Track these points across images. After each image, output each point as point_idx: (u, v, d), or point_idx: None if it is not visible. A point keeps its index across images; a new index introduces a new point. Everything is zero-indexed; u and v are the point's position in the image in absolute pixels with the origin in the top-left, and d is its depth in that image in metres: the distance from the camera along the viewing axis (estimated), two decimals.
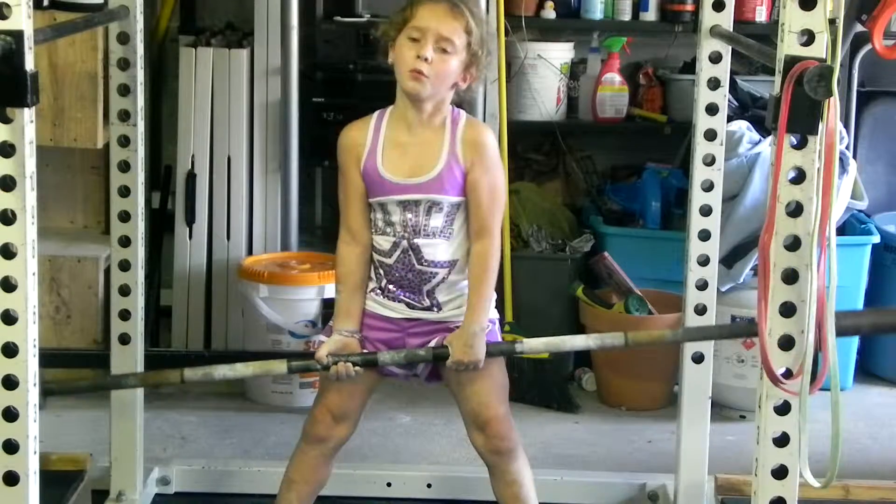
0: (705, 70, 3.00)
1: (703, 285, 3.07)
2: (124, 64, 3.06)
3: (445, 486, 3.47)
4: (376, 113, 2.83)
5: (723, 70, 3.00)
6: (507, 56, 4.59)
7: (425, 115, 2.76)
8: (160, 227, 4.55)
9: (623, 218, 4.59)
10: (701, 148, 3.03)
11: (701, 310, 3.07)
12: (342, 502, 3.34)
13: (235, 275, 4.36)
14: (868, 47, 4.49)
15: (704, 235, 3.06)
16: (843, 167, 4.14)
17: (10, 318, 2.12)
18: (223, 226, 4.53)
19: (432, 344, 2.81)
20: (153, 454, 3.59)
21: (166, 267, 4.58)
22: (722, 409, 4.16)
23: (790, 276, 2.12)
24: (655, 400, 4.31)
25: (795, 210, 2.10)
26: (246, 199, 4.54)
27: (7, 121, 2.07)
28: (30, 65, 2.06)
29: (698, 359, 3.11)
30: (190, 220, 4.50)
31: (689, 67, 4.55)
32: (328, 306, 4.07)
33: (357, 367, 2.77)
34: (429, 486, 3.47)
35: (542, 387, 4.26)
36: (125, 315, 3.15)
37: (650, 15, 4.75)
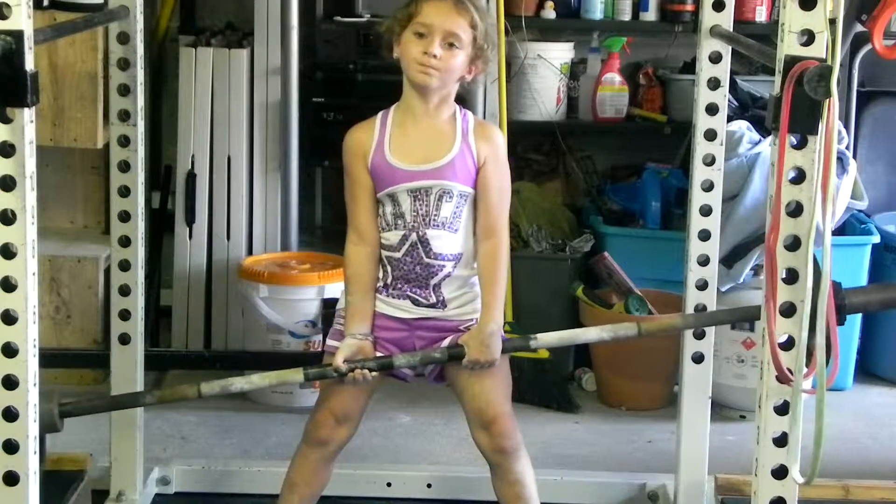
0: (705, 70, 3.00)
1: (703, 285, 3.07)
2: (124, 64, 3.05)
3: (445, 486, 3.47)
4: (380, 113, 2.84)
5: (723, 70, 3.00)
6: (507, 56, 4.59)
7: (432, 107, 2.78)
8: (160, 227, 4.55)
9: (623, 218, 4.59)
10: (701, 148, 3.03)
11: (701, 310, 3.07)
12: (342, 502, 3.34)
13: (235, 275, 4.36)
14: (868, 47, 4.49)
15: (704, 235, 3.06)
16: (843, 167, 4.14)
17: (10, 318, 2.12)
18: (223, 226, 4.53)
19: (444, 345, 2.81)
20: (153, 454, 3.59)
21: (166, 267, 4.58)
22: (722, 409, 4.16)
23: (790, 276, 2.12)
24: (655, 400, 4.31)
25: (795, 210, 2.10)
26: (246, 199, 4.54)
27: (7, 121, 2.07)
28: (30, 65, 2.06)
29: (698, 359, 3.11)
30: (190, 220, 4.50)
31: (689, 67, 4.55)
32: (328, 306, 4.07)
33: (373, 373, 2.77)
34: (429, 486, 3.47)
35: (542, 387, 4.26)
36: (125, 315, 3.15)
37: (650, 15, 4.75)
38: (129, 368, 3.15)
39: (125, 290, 3.14)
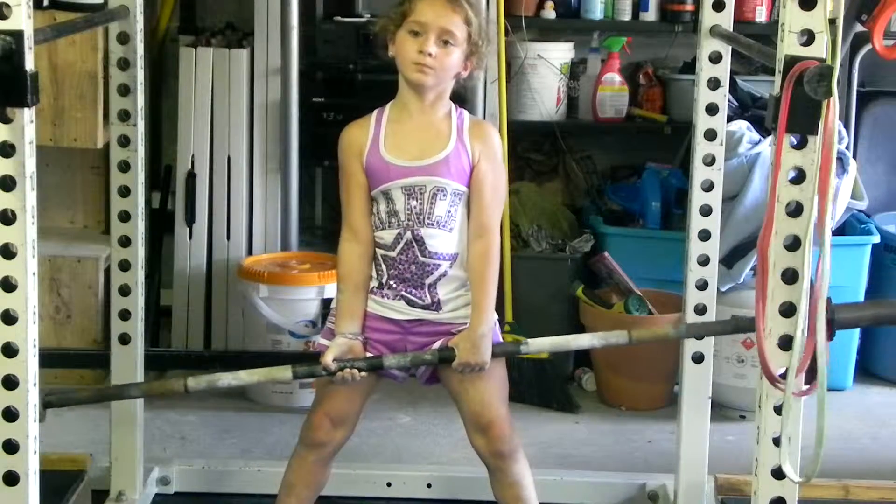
0: (705, 70, 3.00)
1: (703, 285, 3.07)
2: (124, 64, 3.05)
3: (445, 486, 3.47)
4: (375, 111, 2.83)
5: (723, 70, 3.00)
6: (507, 56, 4.59)
7: (427, 104, 2.78)
8: (160, 227, 4.55)
9: (623, 218, 4.59)
10: (701, 148, 3.03)
11: (701, 310, 3.07)
12: (342, 502, 3.34)
13: (235, 275, 4.36)
14: (868, 47, 4.49)
15: (704, 235, 3.06)
16: (843, 167, 4.14)
17: (10, 318, 2.12)
18: (223, 226, 4.53)
19: (435, 346, 2.80)
20: (153, 454, 3.59)
21: (166, 267, 4.58)
22: (722, 409, 4.16)
23: (790, 276, 2.12)
24: (655, 400, 4.31)
25: (795, 210, 2.10)
26: (246, 199, 4.54)
27: (7, 121, 2.07)
28: (30, 65, 2.06)
29: (698, 359, 3.11)
30: (190, 220, 4.50)
31: (689, 67, 4.54)
32: (328, 306, 4.06)
33: (363, 373, 2.76)
34: (429, 486, 3.47)
35: (542, 387, 4.26)
36: (125, 315, 3.15)
37: (650, 15, 4.75)
38: (129, 368, 3.15)
39: (125, 290, 3.14)
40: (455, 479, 3.48)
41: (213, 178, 4.51)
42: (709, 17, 2.97)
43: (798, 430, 2.15)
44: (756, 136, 4.23)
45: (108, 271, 4.04)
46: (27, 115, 2.07)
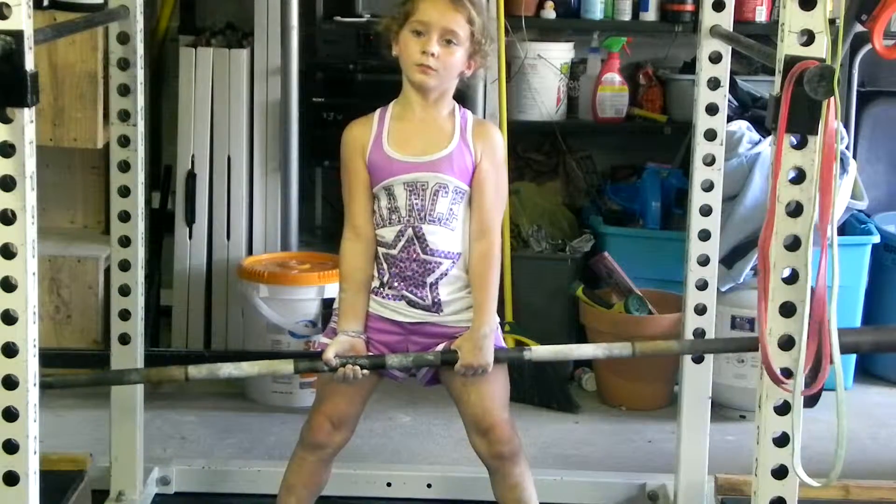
0: (705, 70, 3.00)
1: (703, 285, 3.07)
2: (124, 64, 3.06)
3: (445, 486, 3.47)
4: (378, 109, 2.84)
5: (723, 70, 3.00)
6: (507, 56, 4.59)
7: (431, 103, 2.79)
8: (160, 227, 4.55)
9: (623, 218, 4.59)
10: (701, 148, 3.03)
11: (701, 310, 3.07)
12: (342, 502, 3.34)
13: (235, 275, 4.36)
14: (868, 47, 4.49)
15: (704, 235, 3.06)
16: (843, 167, 4.14)
17: (10, 318, 2.11)
18: (223, 226, 4.53)
19: (438, 349, 2.80)
20: (153, 454, 3.59)
21: (166, 267, 4.58)
22: (722, 409, 4.16)
23: (790, 276, 2.12)
24: (655, 400, 4.31)
25: (795, 210, 2.10)
26: (246, 199, 4.54)
27: (7, 121, 2.07)
28: (30, 65, 2.06)
29: (698, 359, 3.11)
30: (190, 220, 4.50)
31: (689, 67, 4.54)
32: (328, 306, 4.06)
33: (364, 371, 2.76)
34: (429, 486, 3.47)
35: (542, 387, 4.26)
36: (125, 315, 3.15)
37: (650, 15, 4.75)
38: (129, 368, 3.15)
39: (125, 290, 3.14)
40: (455, 479, 3.48)
41: (213, 178, 4.51)
42: (709, 17, 2.97)
43: (799, 431, 2.15)
44: (756, 136, 4.23)
45: (108, 271, 4.04)
46: (27, 115, 2.07)
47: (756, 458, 2.19)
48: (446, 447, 3.95)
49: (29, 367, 2.13)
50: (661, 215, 4.53)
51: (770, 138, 2.17)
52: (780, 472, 2.16)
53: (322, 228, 4.95)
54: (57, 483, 3.07)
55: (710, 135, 3.02)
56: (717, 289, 3.13)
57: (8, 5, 2.02)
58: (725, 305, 4.07)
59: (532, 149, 4.95)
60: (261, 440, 3.97)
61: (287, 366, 2.78)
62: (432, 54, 2.71)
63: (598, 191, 4.84)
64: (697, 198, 3.05)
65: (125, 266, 3.13)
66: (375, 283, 2.82)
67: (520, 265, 4.41)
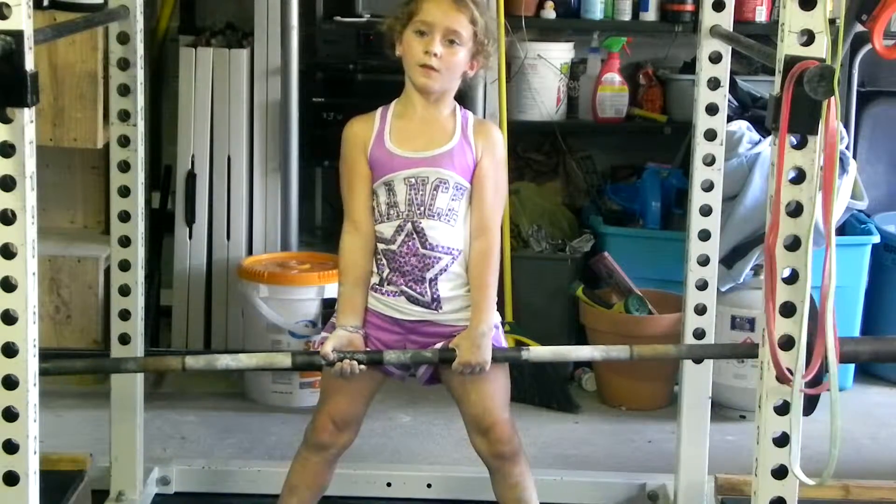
0: (705, 70, 3.00)
1: (703, 285, 3.07)
2: (124, 64, 3.06)
3: (445, 486, 3.47)
4: (380, 108, 2.85)
5: (723, 70, 3.00)
6: (507, 56, 4.59)
7: (432, 101, 2.79)
8: (160, 227, 4.55)
9: (623, 218, 4.59)
10: (701, 148, 3.03)
11: (701, 310, 3.07)
12: (342, 502, 3.34)
13: (235, 275, 4.36)
14: (868, 47, 4.49)
15: (704, 235, 3.06)
16: (843, 167, 4.14)
17: (10, 318, 2.12)
18: (223, 226, 4.53)
19: (437, 347, 2.80)
20: (153, 454, 3.59)
21: (166, 267, 4.58)
22: (722, 409, 4.16)
23: (790, 276, 2.12)
24: (655, 400, 4.31)
25: (795, 210, 2.10)
26: (246, 199, 4.54)
27: (7, 121, 2.07)
28: (30, 65, 2.06)
29: (698, 359, 3.11)
30: (190, 220, 4.50)
31: (689, 67, 4.54)
32: (328, 306, 4.07)
33: (362, 366, 2.76)
34: (429, 486, 3.47)
35: (542, 387, 4.26)
36: (125, 315, 3.15)
37: (650, 15, 4.75)
38: None
39: (125, 290, 3.14)
40: (455, 479, 3.48)
41: (213, 178, 4.51)
42: (709, 17, 2.97)
43: (798, 430, 2.15)
44: (756, 136, 4.23)
45: (108, 271, 4.04)
46: (27, 115, 2.07)
47: (756, 458, 2.19)
48: (446, 447, 3.95)
49: (29, 367, 2.13)
50: (661, 215, 4.53)
51: (770, 138, 2.17)
52: (780, 472, 2.17)
53: (322, 228, 4.95)
54: (57, 483, 3.07)
55: (710, 135, 3.02)
56: (717, 289, 3.13)
57: (8, 5, 2.02)
58: (725, 305, 4.07)
59: (532, 149, 4.95)
60: (261, 440, 3.97)
61: (285, 359, 2.77)
62: (435, 54, 2.72)
63: (598, 191, 4.84)
64: (697, 198, 3.05)
65: (125, 266, 3.13)
66: (375, 280, 2.82)
67: (520, 265, 4.41)
